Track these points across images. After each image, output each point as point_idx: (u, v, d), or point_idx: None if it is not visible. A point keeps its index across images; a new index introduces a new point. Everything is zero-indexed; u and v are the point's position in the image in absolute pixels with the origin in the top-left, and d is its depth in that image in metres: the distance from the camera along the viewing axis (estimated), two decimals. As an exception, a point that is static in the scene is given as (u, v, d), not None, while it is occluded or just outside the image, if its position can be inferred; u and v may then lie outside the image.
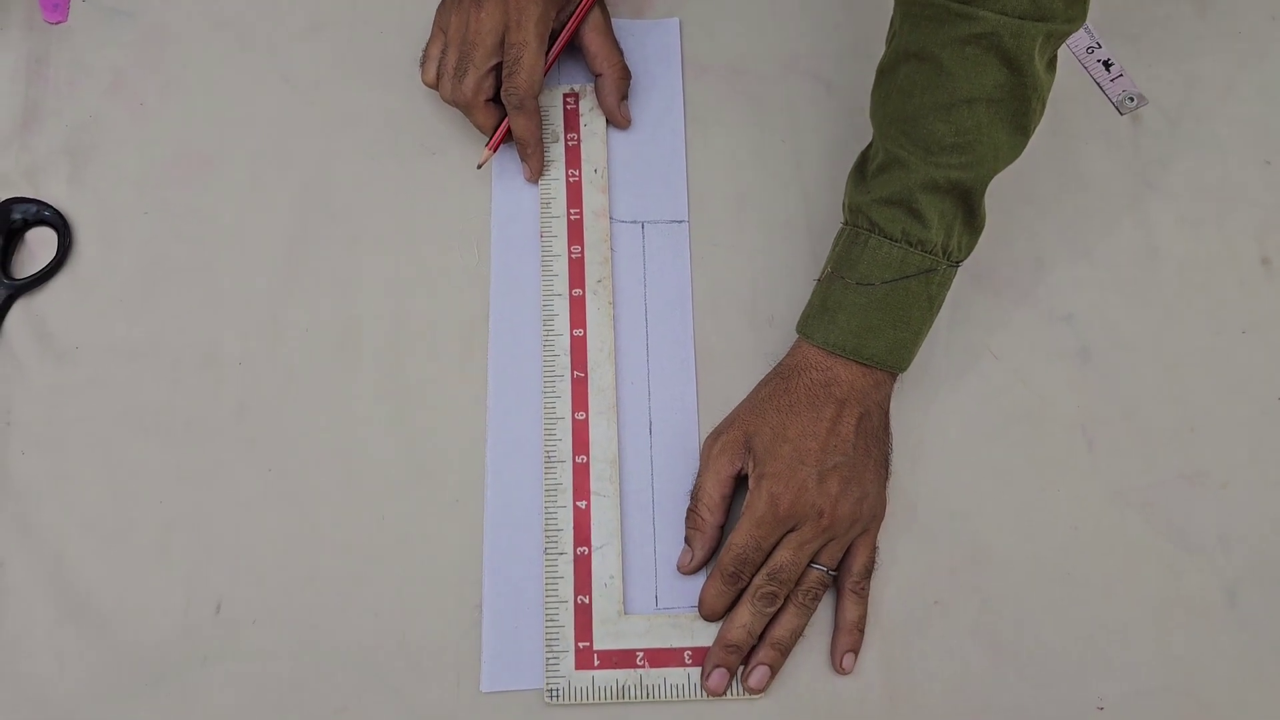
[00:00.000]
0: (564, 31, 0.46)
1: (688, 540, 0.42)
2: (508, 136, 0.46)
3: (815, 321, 0.41)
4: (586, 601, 0.40)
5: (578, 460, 0.42)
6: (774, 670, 0.39)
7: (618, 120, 0.47)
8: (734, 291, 0.46)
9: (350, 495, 0.43)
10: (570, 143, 0.47)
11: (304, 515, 0.43)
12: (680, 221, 0.47)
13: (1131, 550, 0.42)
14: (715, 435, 0.42)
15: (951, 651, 0.40)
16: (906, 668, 0.40)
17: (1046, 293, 0.45)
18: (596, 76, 0.47)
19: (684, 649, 0.40)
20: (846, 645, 0.40)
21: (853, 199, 0.41)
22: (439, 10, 0.46)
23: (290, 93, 0.49)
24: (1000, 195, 0.46)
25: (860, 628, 0.40)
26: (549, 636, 0.40)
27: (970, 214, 0.40)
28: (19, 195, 0.47)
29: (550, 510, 0.42)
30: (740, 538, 0.39)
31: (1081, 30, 0.48)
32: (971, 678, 0.40)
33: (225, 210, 0.48)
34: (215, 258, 0.47)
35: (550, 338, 0.44)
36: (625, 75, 0.47)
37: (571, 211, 0.46)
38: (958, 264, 0.40)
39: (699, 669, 0.39)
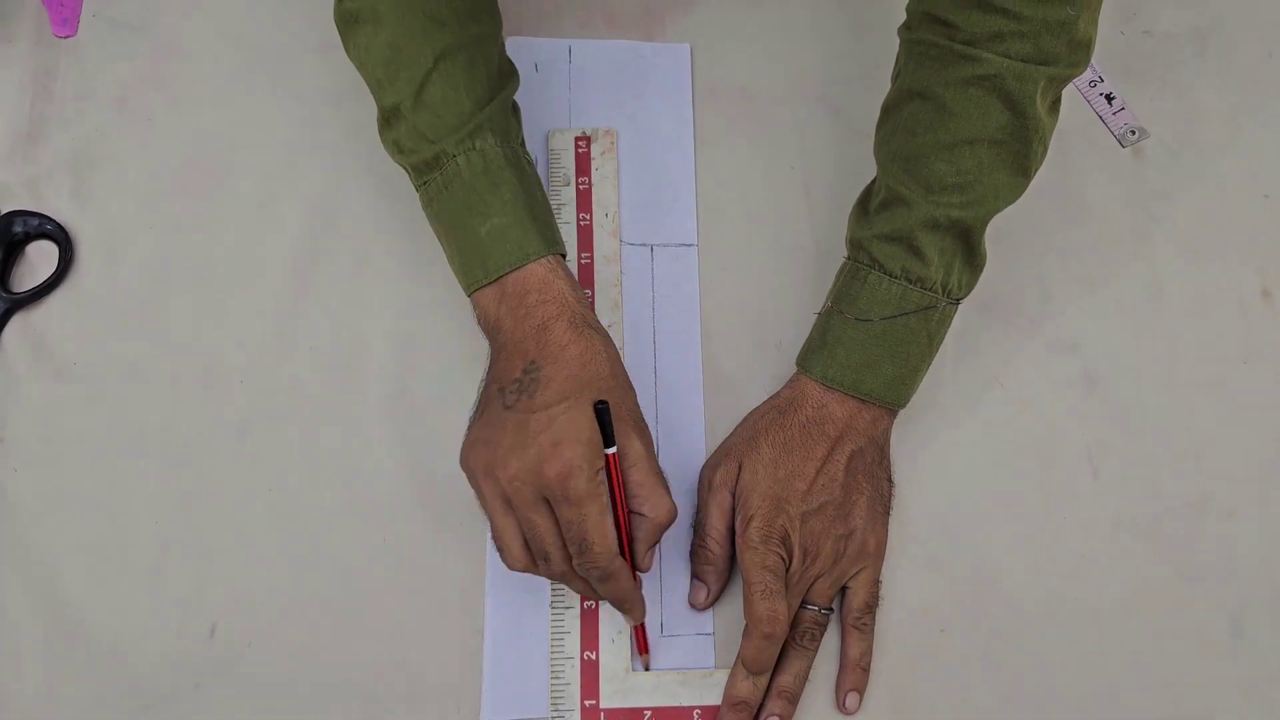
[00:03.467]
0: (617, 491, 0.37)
1: (700, 576, 0.41)
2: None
3: (814, 356, 0.41)
4: (594, 658, 0.39)
5: None
6: None
7: (639, 564, 0.39)
8: (742, 315, 0.46)
9: (352, 518, 0.42)
10: (581, 186, 0.47)
11: (303, 538, 0.42)
12: (689, 245, 0.47)
13: (1137, 579, 0.42)
14: (713, 466, 0.41)
15: (958, 680, 0.40)
16: (914, 696, 0.40)
17: (1052, 323, 0.45)
18: (634, 515, 0.38)
19: (693, 708, 0.39)
20: (850, 684, 0.39)
21: (854, 234, 0.41)
22: (476, 477, 0.38)
23: (300, 110, 0.49)
24: (1006, 227, 0.47)
25: (864, 665, 0.39)
26: (555, 694, 0.39)
27: (970, 252, 0.40)
28: (21, 208, 0.47)
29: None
30: (754, 581, 0.38)
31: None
32: (978, 706, 0.40)
33: (231, 227, 0.47)
34: (220, 275, 0.46)
35: None
36: (671, 520, 0.38)
37: (582, 256, 0.46)
38: (958, 301, 0.40)
39: None
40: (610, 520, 0.36)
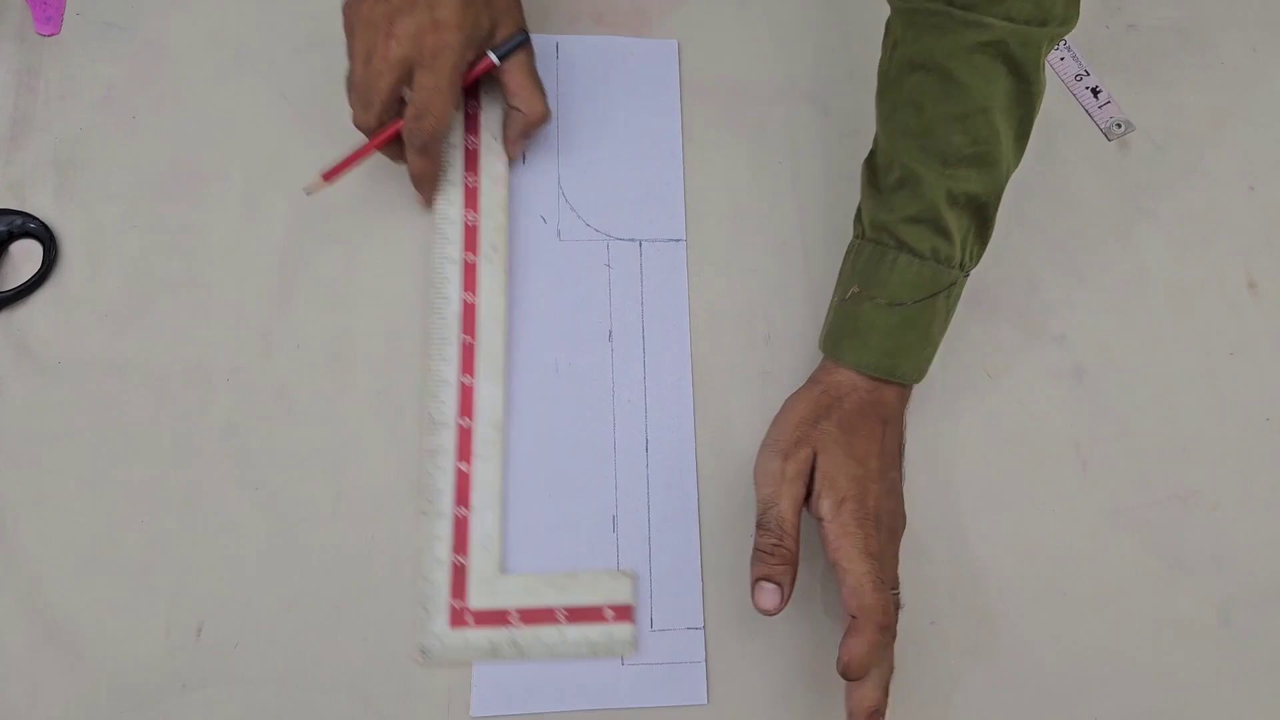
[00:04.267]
0: (474, 71, 0.42)
1: (772, 577, 0.37)
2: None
3: (847, 344, 0.40)
4: (463, 562, 0.40)
5: (461, 424, 0.42)
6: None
7: (509, 151, 0.45)
8: (731, 310, 0.46)
9: (339, 516, 0.42)
10: (470, 110, 0.47)
11: (290, 536, 0.42)
12: (678, 240, 0.47)
13: (1125, 570, 0.42)
14: (782, 455, 0.38)
15: (948, 672, 0.40)
16: (904, 688, 0.40)
17: (1040, 315, 0.45)
18: (510, 109, 0.44)
19: (558, 607, 0.40)
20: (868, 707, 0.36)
21: (875, 216, 0.40)
22: (346, 8, 0.42)
23: (286, 108, 0.49)
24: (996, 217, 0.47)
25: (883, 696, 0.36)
26: (425, 596, 0.40)
27: (984, 225, 0.40)
28: (4, 207, 0.46)
29: (430, 472, 0.42)
30: (866, 576, 0.35)
31: (1070, 58, 0.49)
32: (968, 698, 0.40)
33: (216, 225, 0.47)
34: (205, 273, 0.46)
35: (439, 301, 0.44)
36: (542, 119, 0.44)
37: (469, 178, 0.46)
38: (968, 274, 0.40)
39: (573, 626, 0.39)
40: (455, 108, 0.41)
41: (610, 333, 0.45)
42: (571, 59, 0.50)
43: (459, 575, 0.40)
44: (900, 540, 0.39)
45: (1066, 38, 0.49)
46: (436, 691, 0.39)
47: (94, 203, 0.47)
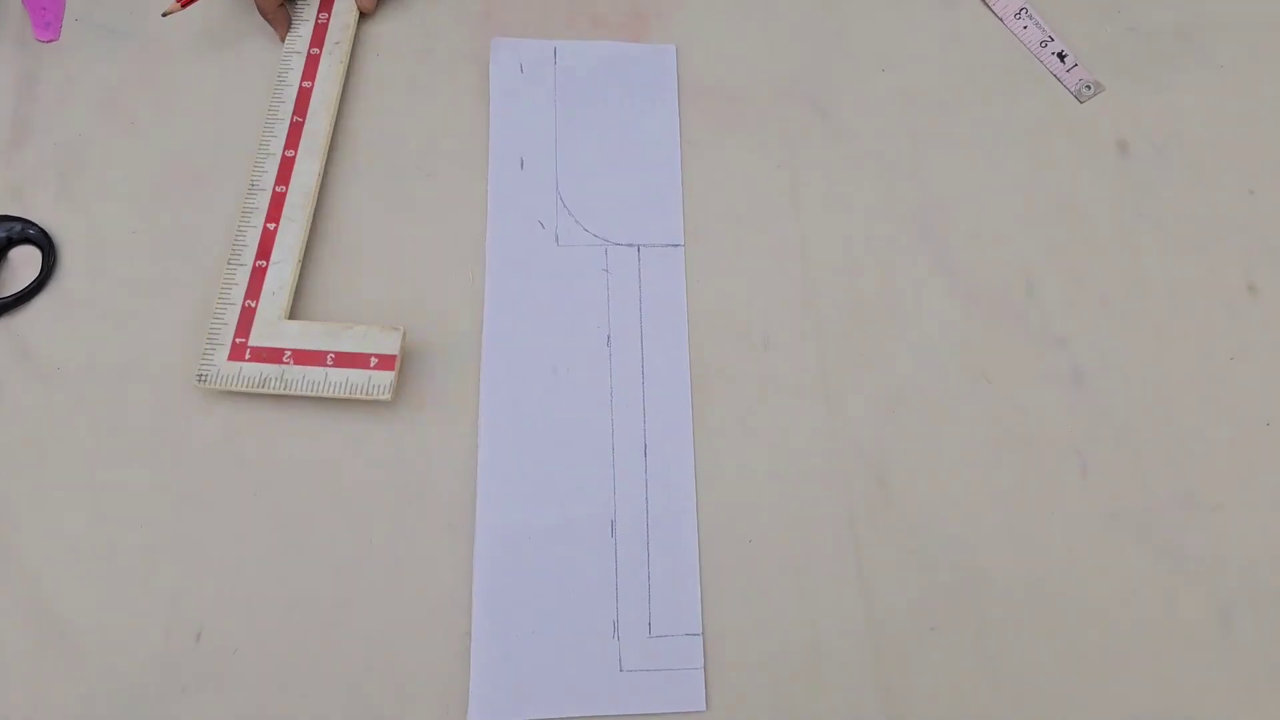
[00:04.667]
0: None
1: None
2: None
3: None
4: (254, 306, 0.44)
5: (277, 189, 0.46)
6: None
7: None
8: (729, 315, 0.46)
9: (339, 519, 0.42)
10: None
11: (290, 540, 0.42)
12: (676, 245, 0.47)
13: (1126, 574, 0.42)
14: None
15: (948, 677, 0.40)
16: (903, 693, 0.40)
17: (1039, 318, 0.45)
18: None
19: (328, 352, 0.43)
20: None
21: None
22: None
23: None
24: (992, 220, 0.47)
25: None
26: (211, 332, 0.44)
27: None
28: (3, 213, 0.46)
29: (242, 230, 0.45)
30: None
31: (1033, 25, 0.50)
32: (968, 703, 0.40)
33: (217, 230, 0.47)
34: (205, 278, 0.46)
35: (282, 89, 0.48)
36: None
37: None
38: None
39: (338, 369, 0.43)
40: None
41: (609, 337, 0.45)
42: (569, 64, 0.50)
43: (246, 316, 0.44)
44: None
45: (1029, 6, 0.49)
46: (434, 696, 0.39)
47: (94, 207, 0.47)
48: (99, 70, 0.49)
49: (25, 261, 0.46)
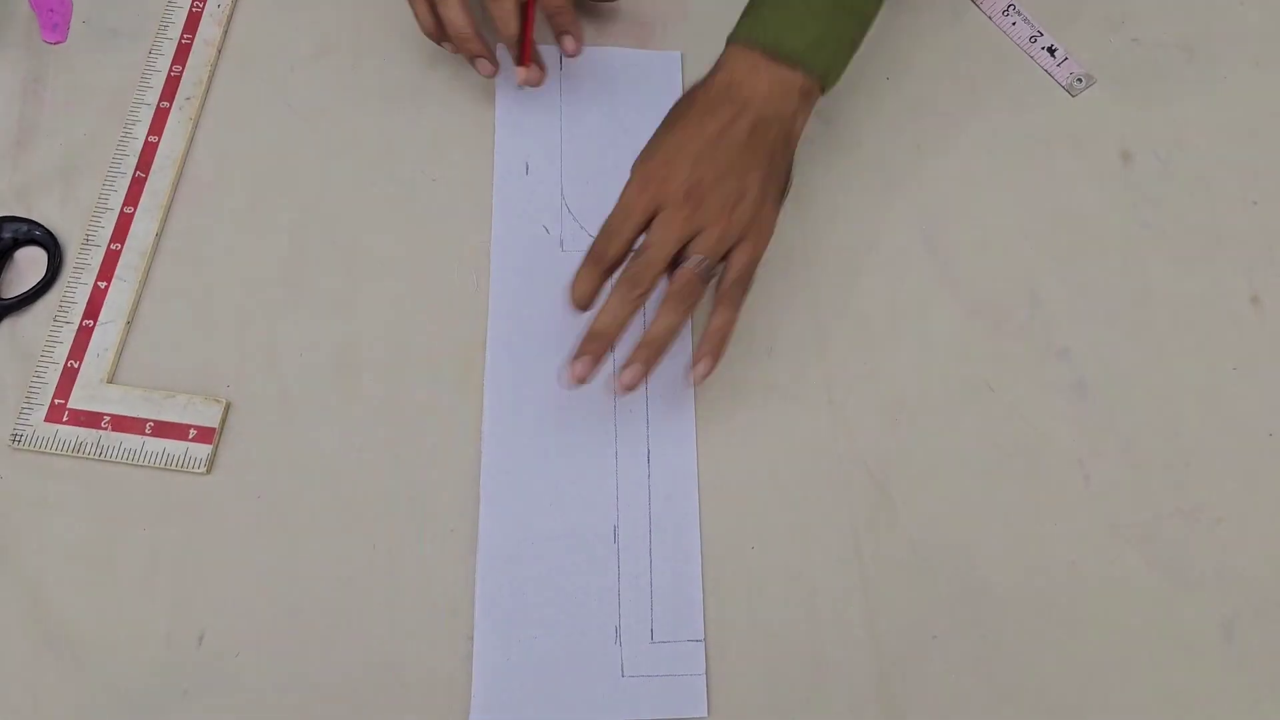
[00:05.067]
0: None
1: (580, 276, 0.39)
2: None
3: (742, 21, 0.41)
4: (76, 366, 0.44)
5: (112, 247, 0.46)
6: (647, 369, 0.39)
7: (577, 35, 0.46)
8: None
9: (341, 523, 0.42)
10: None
11: (292, 543, 0.42)
12: (680, 251, 0.47)
13: (1128, 585, 0.42)
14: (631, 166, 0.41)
15: (949, 687, 0.40)
16: (905, 703, 0.40)
17: (1043, 328, 0.45)
18: None
19: (148, 420, 0.43)
20: (702, 352, 0.39)
21: None
22: None
23: (292, 116, 0.49)
24: (997, 231, 0.47)
25: (722, 335, 0.39)
26: (31, 391, 0.43)
27: None
28: (10, 214, 0.46)
29: (71, 287, 0.45)
30: (609, 220, 0.39)
31: (1021, 21, 0.50)
32: (969, 712, 0.40)
33: (222, 233, 0.47)
34: (210, 280, 0.46)
35: (125, 141, 0.48)
36: None
37: (185, 36, 0.49)
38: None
39: (156, 439, 0.43)
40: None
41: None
42: (575, 70, 0.50)
43: (68, 377, 0.44)
44: (740, 222, 0.38)
45: (1014, 3, 0.50)
46: (437, 700, 0.39)
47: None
48: (106, 73, 0.50)
49: (31, 263, 0.46)
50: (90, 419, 0.43)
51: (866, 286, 0.46)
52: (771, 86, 0.39)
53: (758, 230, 0.39)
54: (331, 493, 0.43)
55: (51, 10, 0.50)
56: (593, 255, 0.39)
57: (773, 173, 0.39)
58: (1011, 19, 0.50)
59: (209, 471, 0.42)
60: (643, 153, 0.40)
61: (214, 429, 0.43)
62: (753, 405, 0.44)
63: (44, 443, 0.43)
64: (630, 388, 0.38)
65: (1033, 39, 0.50)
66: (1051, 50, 0.49)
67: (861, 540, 0.42)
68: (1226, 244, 0.47)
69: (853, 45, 0.41)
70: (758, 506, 0.43)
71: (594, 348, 0.38)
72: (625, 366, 0.39)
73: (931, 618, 0.41)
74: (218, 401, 0.43)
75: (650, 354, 0.38)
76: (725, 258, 0.39)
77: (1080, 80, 0.48)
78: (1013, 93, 0.49)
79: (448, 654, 0.40)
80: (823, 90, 0.41)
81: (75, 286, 0.45)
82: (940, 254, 0.47)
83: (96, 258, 0.46)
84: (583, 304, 0.39)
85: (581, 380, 0.38)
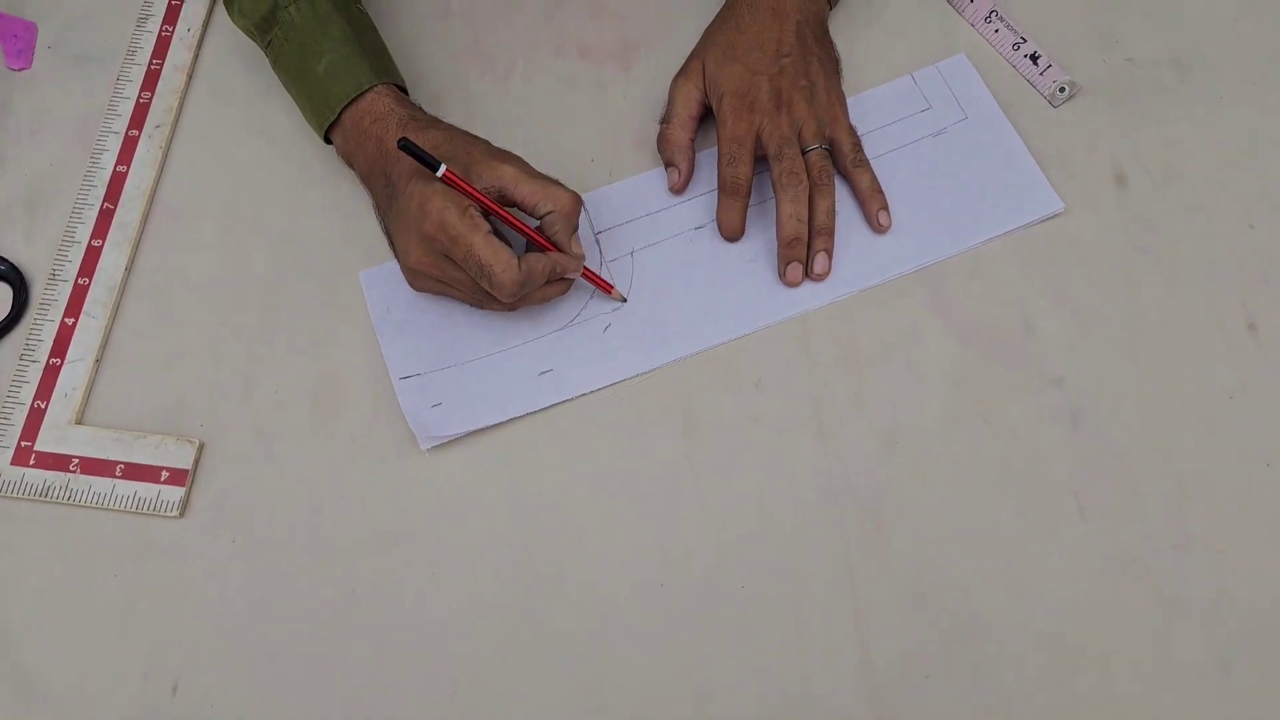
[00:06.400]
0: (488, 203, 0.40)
1: (669, 161, 0.46)
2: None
3: None
4: (43, 407, 0.42)
5: (79, 282, 0.44)
6: (829, 253, 0.45)
7: (575, 253, 0.42)
8: (720, 355, 0.45)
9: (319, 567, 0.41)
10: (174, 1, 0.49)
11: (269, 588, 0.41)
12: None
13: (1125, 619, 0.41)
14: (681, 72, 0.47)
15: (946, 728, 0.39)
16: (901, 744, 0.39)
17: (1037, 356, 0.44)
18: (544, 217, 0.41)
19: (118, 462, 0.42)
20: (876, 205, 0.45)
21: None
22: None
23: (266, 144, 0.48)
24: (990, 256, 0.46)
25: (877, 188, 0.45)
26: None
27: None
28: (-28, 249, 0.45)
29: (37, 324, 0.44)
30: (722, 153, 0.44)
31: (1004, 28, 0.49)
32: (966, 753, 0.39)
33: (193, 266, 0.46)
34: (182, 315, 0.45)
35: (93, 171, 0.46)
36: (573, 203, 0.41)
37: (154, 61, 0.48)
38: None
39: (127, 482, 0.41)
40: (494, 241, 0.39)
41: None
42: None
43: (34, 418, 0.43)
44: (824, 104, 0.45)
45: (997, 9, 0.49)
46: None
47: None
48: (72, 101, 0.48)
49: (-5, 299, 0.45)
50: (58, 462, 0.42)
51: (857, 313, 0.45)
52: None
53: (838, 106, 0.46)
54: (309, 535, 0.42)
55: (16, 36, 0.49)
56: (728, 188, 0.44)
57: (825, 57, 0.46)
58: (994, 26, 0.49)
59: (182, 515, 0.41)
60: (715, 83, 0.45)
61: (187, 470, 0.42)
62: (740, 438, 0.43)
63: (10, 487, 0.41)
64: (825, 275, 0.45)
65: (1015, 46, 0.49)
66: (1034, 58, 0.48)
67: (854, 576, 0.41)
68: (1223, 268, 0.46)
69: None
70: (747, 542, 0.42)
71: (796, 252, 0.44)
72: (813, 257, 0.44)
73: (925, 655, 0.40)
74: (190, 442, 0.42)
75: (829, 239, 0.44)
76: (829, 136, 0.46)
77: (1063, 89, 0.48)
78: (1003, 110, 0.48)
79: (429, 701, 0.39)
80: (830, 5, 0.48)
81: (42, 323, 0.44)
82: (930, 279, 0.46)
83: (64, 293, 0.44)
84: (736, 235, 0.45)
85: (798, 283, 0.44)
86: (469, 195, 0.39)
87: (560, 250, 0.42)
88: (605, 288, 0.44)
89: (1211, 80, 0.49)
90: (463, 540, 0.42)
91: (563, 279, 0.42)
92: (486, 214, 0.40)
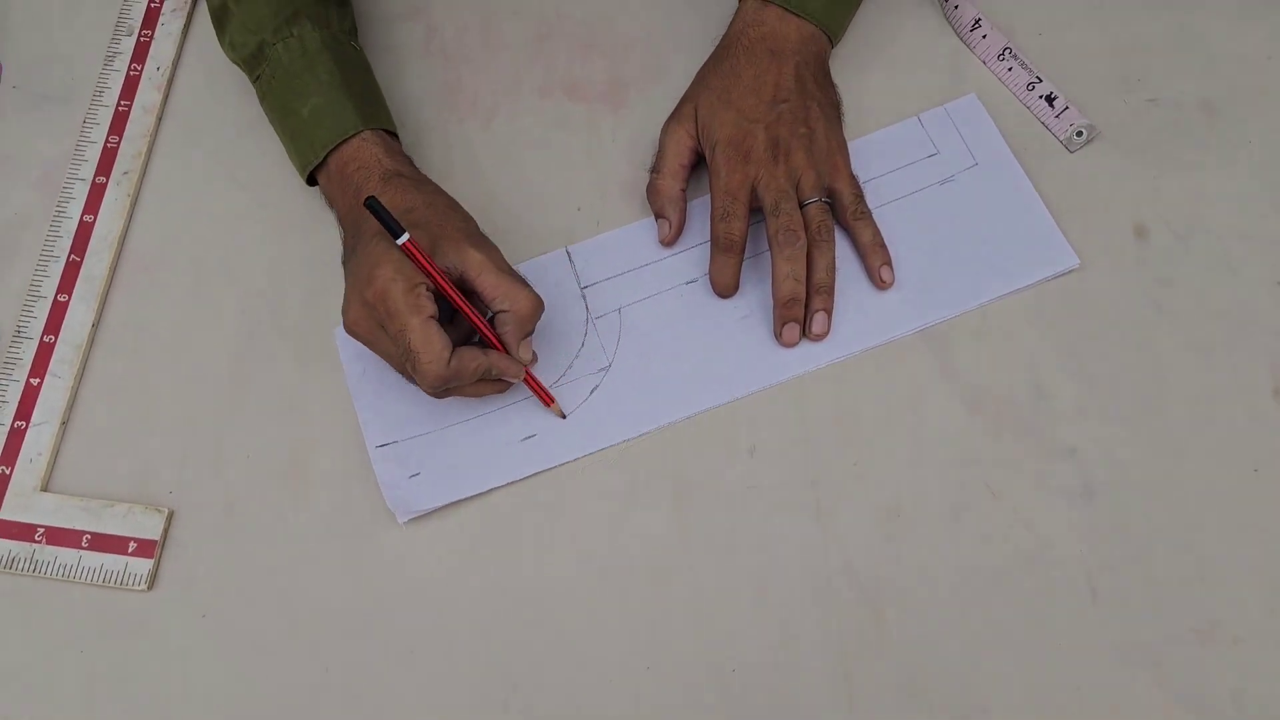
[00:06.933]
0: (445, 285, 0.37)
1: (660, 213, 0.44)
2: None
3: None
4: (8, 473, 0.41)
5: (45, 339, 0.43)
6: (829, 312, 0.42)
7: (520, 356, 0.39)
8: (713, 421, 0.43)
9: (292, 643, 0.39)
10: (143, 38, 0.47)
11: (239, 666, 0.39)
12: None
13: (1138, 712, 0.38)
14: (673, 115, 0.44)
15: (945, 824, 0.37)
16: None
17: (1048, 425, 0.42)
18: (497, 314, 0.39)
19: (85, 533, 0.40)
20: (879, 260, 0.43)
21: None
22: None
23: (238, 191, 0.46)
24: (1000, 315, 0.43)
25: (880, 242, 0.43)
26: None
27: None
28: (-66, 306, 0.43)
29: (2, 384, 0.42)
30: (715, 206, 0.42)
31: (1018, 66, 0.47)
32: None
33: (164, 322, 0.44)
34: (151, 375, 0.43)
35: (59, 220, 0.45)
36: (531, 308, 0.38)
37: (121, 103, 0.46)
38: None
39: (93, 554, 0.40)
40: (431, 328, 0.36)
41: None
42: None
43: None
44: (824, 154, 0.43)
45: (1011, 46, 0.47)
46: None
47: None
48: (37, 143, 0.46)
49: (-44, 361, 0.43)
50: (23, 531, 0.40)
51: (857, 377, 0.43)
52: (800, 32, 0.44)
53: (838, 154, 0.43)
54: (281, 611, 0.40)
55: (-22, 76, 0.47)
56: (722, 244, 0.42)
57: (825, 101, 0.44)
58: (1008, 64, 0.46)
59: (150, 588, 0.40)
60: (708, 130, 0.43)
61: (155, 541, 0.40)
62: (733, 509, 0.41)
63: None
64: (824, 335, 0.42)
65: (1030, 86, 0.46)
66: (1050, 99, 0.45)
67: (850, 663, 0.39)
68: (1247, 329, 0.43)
69: (856, 5, 0.46)
70: (738, 624, 0.40)
71: (794, 312, 0.42)
72: (811, 317, 0.42)
73: (926, 748, 0.38)
74: (159, 511, 0.41)
75: (828, 297, 0.42)
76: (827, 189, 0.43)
77: (1080, 134, 0.45)
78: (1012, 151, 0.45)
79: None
80: (831, 44, 0.45)
81: (6, 384, 0.42)
82: (935, 340, 0.43)
83: (29, 352, 0.43)
84: (729, 292, 0.43)
85: (794, 344, 0.42)
86: (426, 271, 0.37)
87: (507, 351, 0.39)
88: (546, 400, 0.41)
89: (1242, 124, 0.46)
90: (441, 618, 0.40)
91: (500, 379, 0.40)
92: (440, 295, 0.37)
